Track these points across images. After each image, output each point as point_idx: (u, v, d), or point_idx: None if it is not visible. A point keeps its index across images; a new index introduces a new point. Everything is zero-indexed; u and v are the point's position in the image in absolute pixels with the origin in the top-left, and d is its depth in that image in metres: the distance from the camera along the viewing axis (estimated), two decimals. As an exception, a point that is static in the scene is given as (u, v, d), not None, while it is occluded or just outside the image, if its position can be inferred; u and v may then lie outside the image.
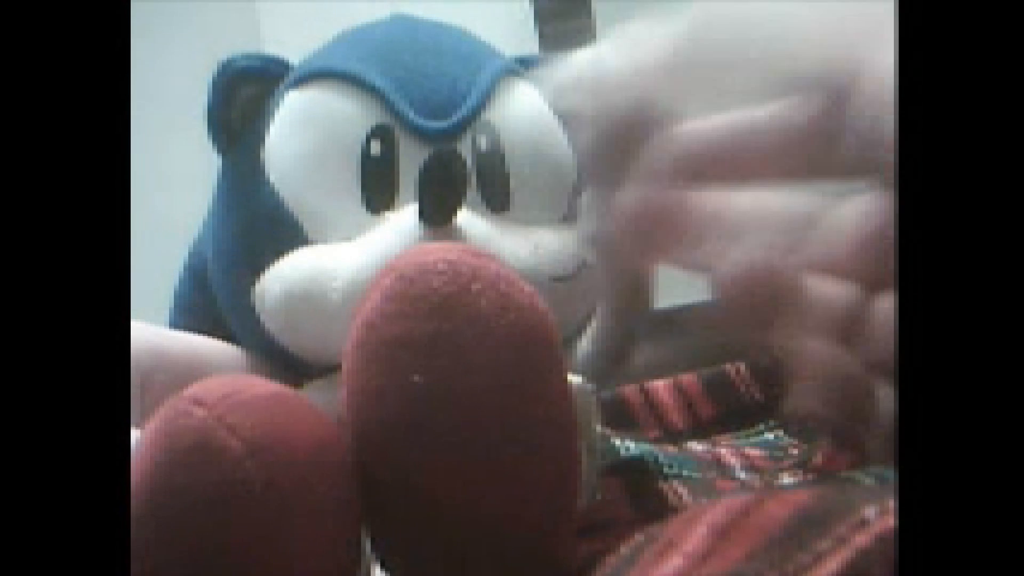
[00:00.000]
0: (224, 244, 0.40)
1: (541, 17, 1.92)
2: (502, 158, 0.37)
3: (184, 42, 1.70)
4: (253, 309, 0.37)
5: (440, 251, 0.26)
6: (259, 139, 0.39)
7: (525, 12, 1.92)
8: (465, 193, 0.35)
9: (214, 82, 0.40)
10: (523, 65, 0.41)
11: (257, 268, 0.37)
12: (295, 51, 0.42)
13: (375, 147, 0.37)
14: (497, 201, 0.37)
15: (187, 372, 0.27)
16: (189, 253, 0.44)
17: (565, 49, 0.38)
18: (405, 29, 0.41)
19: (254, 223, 0.38)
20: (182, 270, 0.45)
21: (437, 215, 0.34)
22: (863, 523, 0.18)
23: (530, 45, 1.25)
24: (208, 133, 0.40)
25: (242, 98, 0.40)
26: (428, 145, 0.37)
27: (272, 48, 0.43)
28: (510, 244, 0.35)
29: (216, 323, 0.41)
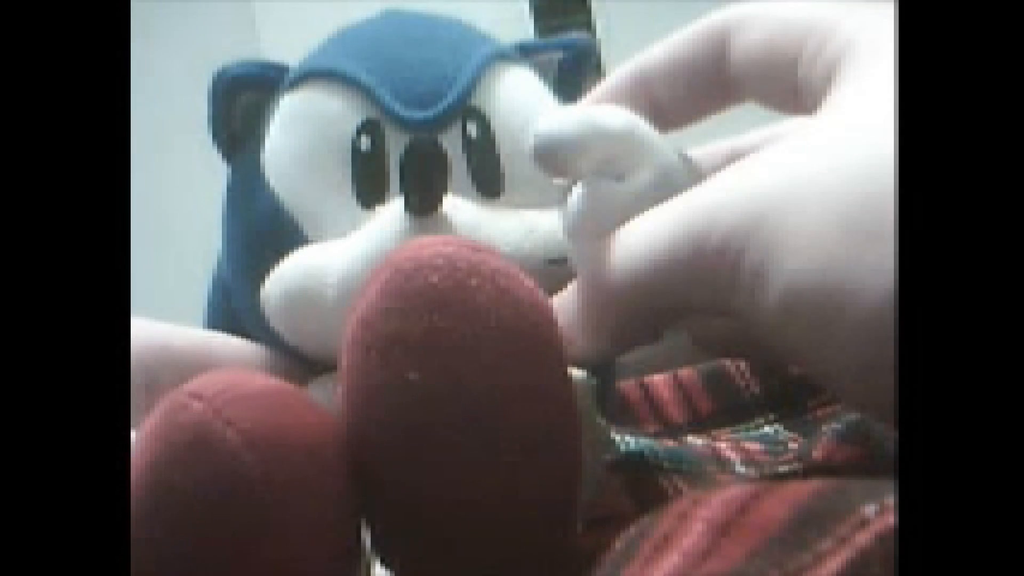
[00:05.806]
0: (233, 249, 0.40)
1: (539, 14, 1.93)
2: (493, 144, 0.37)
3: (181, 42, 1.70)
4: (263, 312, 0.37)
5: (437, 245, 0.26)
6: (260, 144, 0.39)
7: (523, 9, 1.92)
8: (446, 181, 0.34)
9: (211, 91, 0.40)
10: (523, 51, 0.41)
11: (263, 271, 0.37)
12: (291, 45, 0.42)
13: (364, 143, 0.37)
14: (490, 187, 0.37)
15: (196, 368, 0.27)
16: (216, 263, 0.45)
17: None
18: (395, 24, 0.40)
19: (256, 226, 0.38)
20: (210, 281, 0.45)
21: (421, 204, 0.34)
22: (863, 522, 0.18)
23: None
24: (212, 141, 0.41)
25: (242, 105, 0.40)
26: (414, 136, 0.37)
27: (268, 44, 0.44)
28: (502, 228, 0.35)
29: (246, 332, 0.41)
